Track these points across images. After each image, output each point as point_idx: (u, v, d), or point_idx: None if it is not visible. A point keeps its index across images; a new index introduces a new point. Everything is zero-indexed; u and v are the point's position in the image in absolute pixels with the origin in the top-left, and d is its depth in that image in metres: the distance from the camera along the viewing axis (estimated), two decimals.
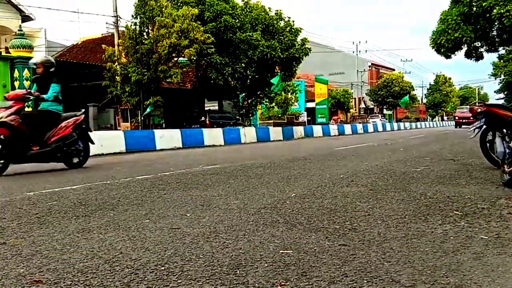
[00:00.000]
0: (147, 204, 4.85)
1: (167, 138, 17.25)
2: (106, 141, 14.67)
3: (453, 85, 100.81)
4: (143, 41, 23.31)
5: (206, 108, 36.64)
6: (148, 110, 23.77)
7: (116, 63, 23.20)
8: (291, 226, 3.68)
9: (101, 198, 5.27)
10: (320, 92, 50.04)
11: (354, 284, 2.38)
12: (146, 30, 23.97)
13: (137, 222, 3.96)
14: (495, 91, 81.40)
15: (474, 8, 22.78)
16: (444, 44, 23.47)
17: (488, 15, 22.57)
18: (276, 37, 26.16)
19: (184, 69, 24.32)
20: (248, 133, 21.06)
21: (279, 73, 22.77)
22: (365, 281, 2.41)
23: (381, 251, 2.94)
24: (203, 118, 25.28)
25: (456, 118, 46.17)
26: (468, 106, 49.94)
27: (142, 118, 23.95)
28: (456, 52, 25.15)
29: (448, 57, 25.91)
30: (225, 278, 2.50)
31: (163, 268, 2.69)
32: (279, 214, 4.16)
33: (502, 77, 54.66)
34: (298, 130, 24.13)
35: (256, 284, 2.40)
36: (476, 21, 22.71)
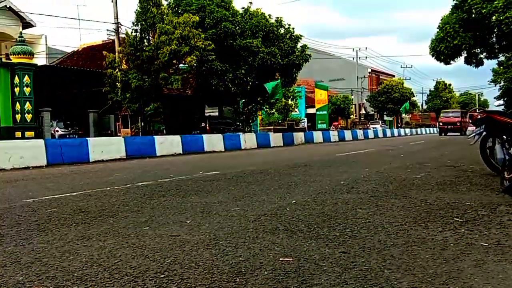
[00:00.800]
0: (146, 211, 4.84)
1: (168, 144, 17.25)
2: (107, 147, 14.68)
3: (453, 91, 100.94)
4: (144, 48, 23.37)
5: (206, 114, 36.72)
6: (148, 112, 23.86)
7: (117, 70, 23.25)
8: (291, 233, 3.68)
9: (101, 205, 5.27)
10: (321, 98, 50.07)
11: None
12: (147, 37, 24.03)
13: (137, 229, 3.96)
14: (494, 97, 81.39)
15: (473, 15, 22.85)
16: (444, 51, 23.49)
17: (487, 21, 22.66)
18: (276, 43, 26.21)
19: (185, 76, 24.38)
20: (248, 139, 21.03)
21: (279, 80, 22.69)
22: None
23: (382, 258, 2.94)
24: (203, 124, 25.29)
25: (440, 123, 37.22)
26: (455, 110, 46.14)
27: (143, 124, 23.98)
28: (455, 59, 25.19)
29: (447, 63, 25.94)
30: (225, 286, 2.49)
31: (162, 276, 2.69)
32: (279, 221, 4.16)
33: (502, 83, 54.79)
34: (299, 136, 23.86)
35: None
36: (476, 28, 22.75)
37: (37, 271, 2.84)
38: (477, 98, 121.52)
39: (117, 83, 23.97)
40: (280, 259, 2.96)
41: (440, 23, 24.41)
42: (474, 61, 27.04)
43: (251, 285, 2.49)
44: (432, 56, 25.03)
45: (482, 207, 4.67)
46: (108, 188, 6.83)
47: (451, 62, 26.22)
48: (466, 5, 21.98)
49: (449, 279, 2.53)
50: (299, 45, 27.38)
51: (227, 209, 4.83)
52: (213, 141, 19.42)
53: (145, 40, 24.00)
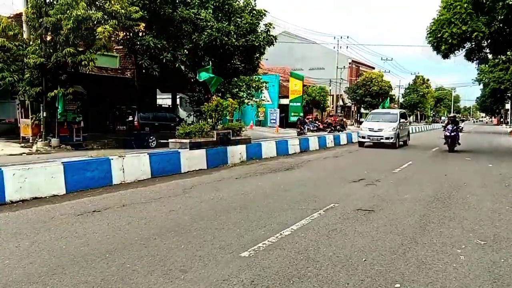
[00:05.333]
0: None
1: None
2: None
3: (430, 87, 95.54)
4: (48, 11, 16.01)
5: (159, 103, 29.34)
6: (59, 108, 16.66)
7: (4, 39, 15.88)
8: None
9: None
10: (295, 89, 43.17)
11: None
12: None
13: None
14: (477, 98, 75.87)
15: None
16: (447, 38, 16.61)
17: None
18: (233, 18, 19.14)
19: (100, 53, 16.92)
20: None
21: (210, 66, 15.34)
22: None
23: None
24: (130, 118, 18.08)
25: None
26: None
27: (45, 114, 16.78)
28: (459, 50, 18.41)
29: (446, 56, 19.17)
30: None
31: None
32: None
33: (489, 83, 48.71)
34: (237, 153, 12.81)
35: None
36: (491, 11, 15.94)
37: None
38: (452, 93, 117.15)
39: (10, 58, 16.72)
40: None
41: (443, 1, 17.47)
42: (477, 56, 20.40)
43: None
44: (430, 44, 18.15)
45: None
46: None
47: (451, 55, 19.49)
48: None
49: None
50: (262, 23, 20.25)
51: None
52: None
53: (53, 0, 16.59)
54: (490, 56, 21.08)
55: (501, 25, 17.10)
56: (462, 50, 19.14)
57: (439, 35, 16.64)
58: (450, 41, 16.32)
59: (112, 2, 15.28)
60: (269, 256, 4.59)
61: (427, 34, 17.58)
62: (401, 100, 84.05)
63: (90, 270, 4.16)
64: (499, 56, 27.35)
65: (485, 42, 18.84)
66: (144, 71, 19.06)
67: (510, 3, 14.83)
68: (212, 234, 5.41)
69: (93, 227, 5.70)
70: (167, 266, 4.29)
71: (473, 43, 17.48)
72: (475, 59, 20.38)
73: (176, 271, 4.18)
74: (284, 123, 42.16)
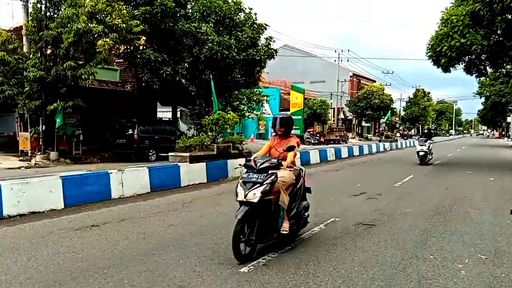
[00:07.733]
0: None
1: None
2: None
3: (432, 100, 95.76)
4: (49, 25, 16.21)
5: (160, 116, 29.44)
6: (58, 121, 16.66)
7: (4, 53, 16.05)
8: None
9: None
10: (296, 102, 43.26)
11: None
12: (57, 10, 16.82)
13: None
14: (478, 111, 76.12)
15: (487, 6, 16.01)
16: (446, 52, 16.78)
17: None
18: (234, 32, 19.34)
19: (100, 66, 17.03)
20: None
21: (211, 81, 15.31)
22: None
23: None
24: (130, 131, 18.14)
25: None
26: None
27: (44, 128, 16.86)
28: (458, 64, 18.55)
29: (447, 69, 19.32)
30: None
31: None
32: None
33: (488, 95, 48.82)
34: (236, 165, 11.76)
35: None
36: (490, 24, 16.10)
37: None
38: (454, 106, 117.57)
39: (10, 72, 16.87)
40: None
41: (443, 16, 17.70)
42: (476, 70, 20.48)
43: None
44: (429, 59, 18.28)
45: None
46: None
47: (451, 68, 19.61)
48: None
49: None
50: (263, 37, 20.46)
51: None
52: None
53: (53, 13, 16.79)
54: (490, 70, 21.21)
55: (500, 38, 17.26)
56: (462, 63, 19.29)
57: (438, 49, 16.80)
58: (449, 54, 16.48)
59: (113, 15, 15.51)
60: (268, 272, 4.59)
61: (427, 49, 17.75)
62: (402, 113, 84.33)
63: (88, 286, 4.16)
64: (499, 70, 27.54)
65: (484, 55, 18.99)
66: (144, 84, 19.22)
67: (510, 17, 14.97)
68: (211, 249, 5.40)
69: (91, 242, 5.71)
70: (166, 282, 4.28)
71: (473, 56, 17.59)
72: (474, 72, 20.49)
73: (175, 287, 4.18)
74: None
